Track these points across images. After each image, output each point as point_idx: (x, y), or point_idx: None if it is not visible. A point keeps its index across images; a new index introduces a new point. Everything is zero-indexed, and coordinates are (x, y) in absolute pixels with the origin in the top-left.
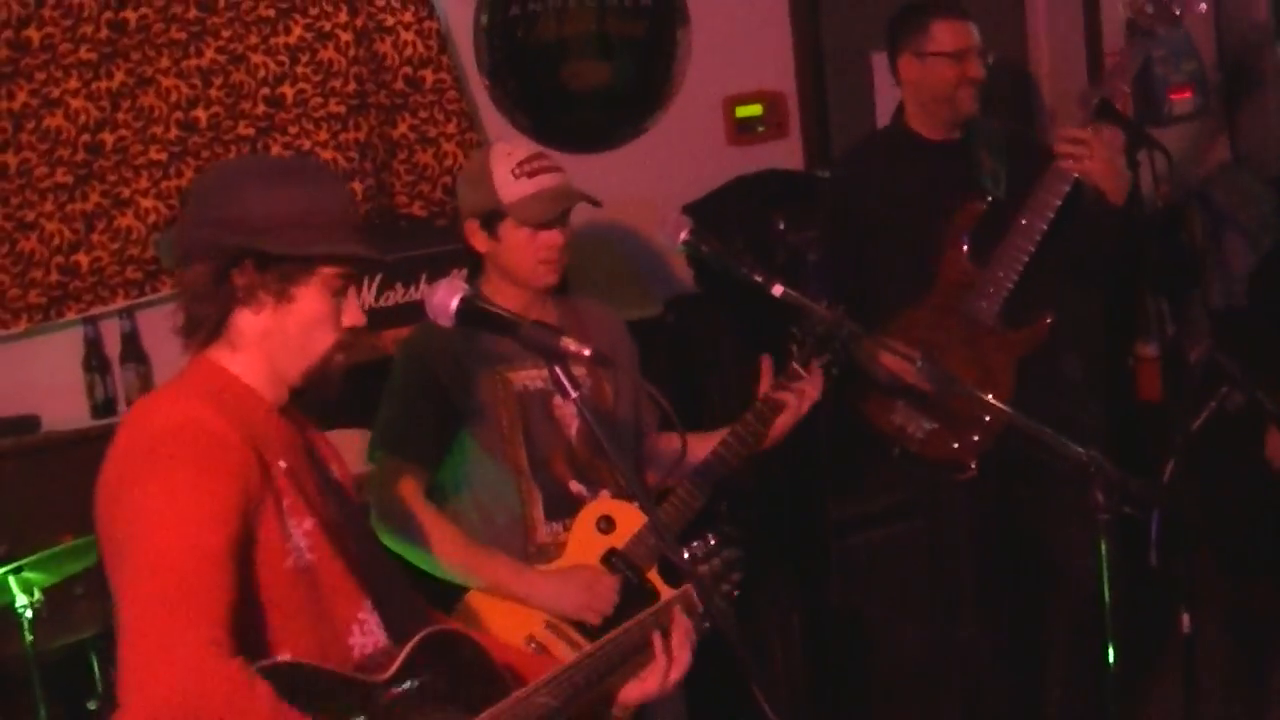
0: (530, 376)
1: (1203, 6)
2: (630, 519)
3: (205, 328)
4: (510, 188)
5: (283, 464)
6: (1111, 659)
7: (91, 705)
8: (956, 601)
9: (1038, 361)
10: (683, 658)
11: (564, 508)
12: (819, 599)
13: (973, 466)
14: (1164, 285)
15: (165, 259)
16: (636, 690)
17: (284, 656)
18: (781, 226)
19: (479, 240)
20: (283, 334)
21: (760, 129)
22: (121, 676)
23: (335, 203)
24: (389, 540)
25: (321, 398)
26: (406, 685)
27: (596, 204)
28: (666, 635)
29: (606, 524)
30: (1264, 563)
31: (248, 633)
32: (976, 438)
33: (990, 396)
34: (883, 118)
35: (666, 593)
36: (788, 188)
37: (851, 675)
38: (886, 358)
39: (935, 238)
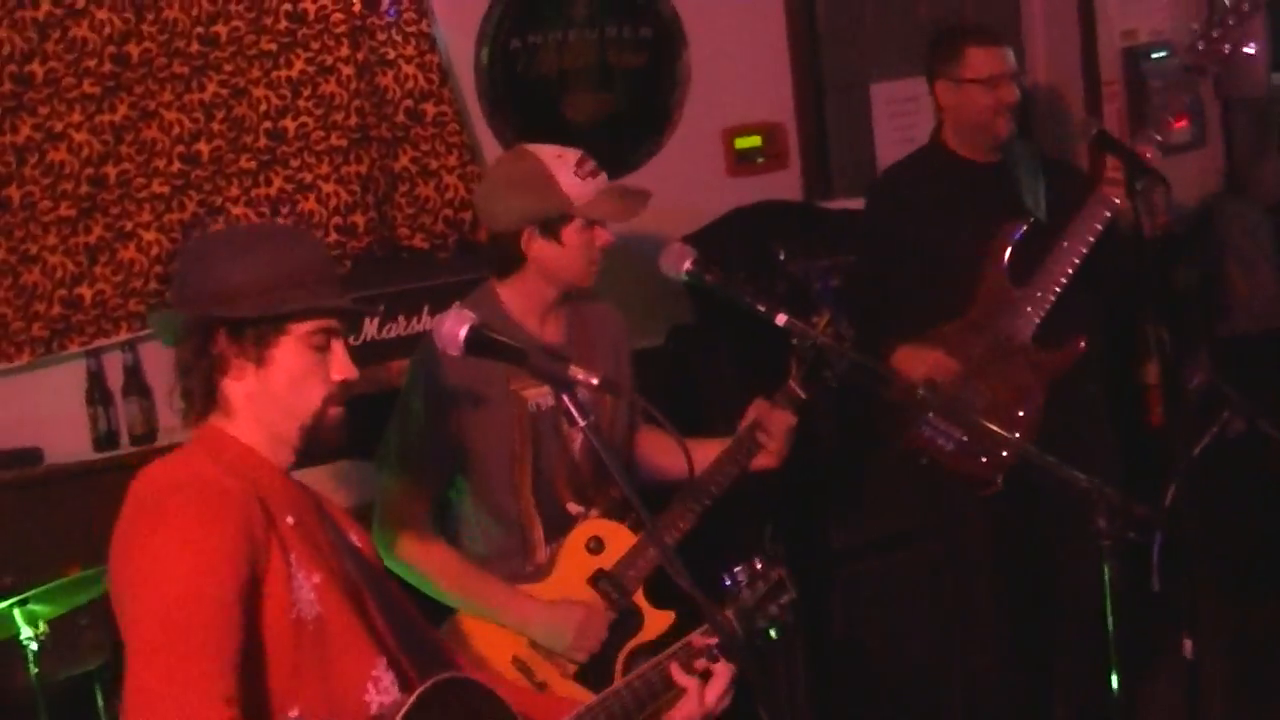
0: (543, 393)
1: (1252, 47)
2: (619, 540)
3: (196, 400)
4: (580, 188)
5: (290, 519)
6: (1115, 684)
7: None
8: (973, 628)
9: (1064, 383)
10: (719, 680)
11: (561, 528)
12: (822, 626)
13: (999, 482)
14: (1164, 312)
15: (159, 335)
16: (679, 715)
17: (293, 713)
18: (782, 257)
19: (537, 246)
20: (269, 395)
21: (759, 160)
22: None
23: (301, 261)
24: (388, 561)
25: (326, 449)
26: None
27: (647, 194)
28: (689, 666)
29: (596, 544)
30: (1265, 588)
31: (253, 685)
32: (1005, 454)
33: (1021, 414)
34: (882, 148)
35: (652, 615)
36: (787, 218)
37: (854, 702)
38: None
39: (974, 256)
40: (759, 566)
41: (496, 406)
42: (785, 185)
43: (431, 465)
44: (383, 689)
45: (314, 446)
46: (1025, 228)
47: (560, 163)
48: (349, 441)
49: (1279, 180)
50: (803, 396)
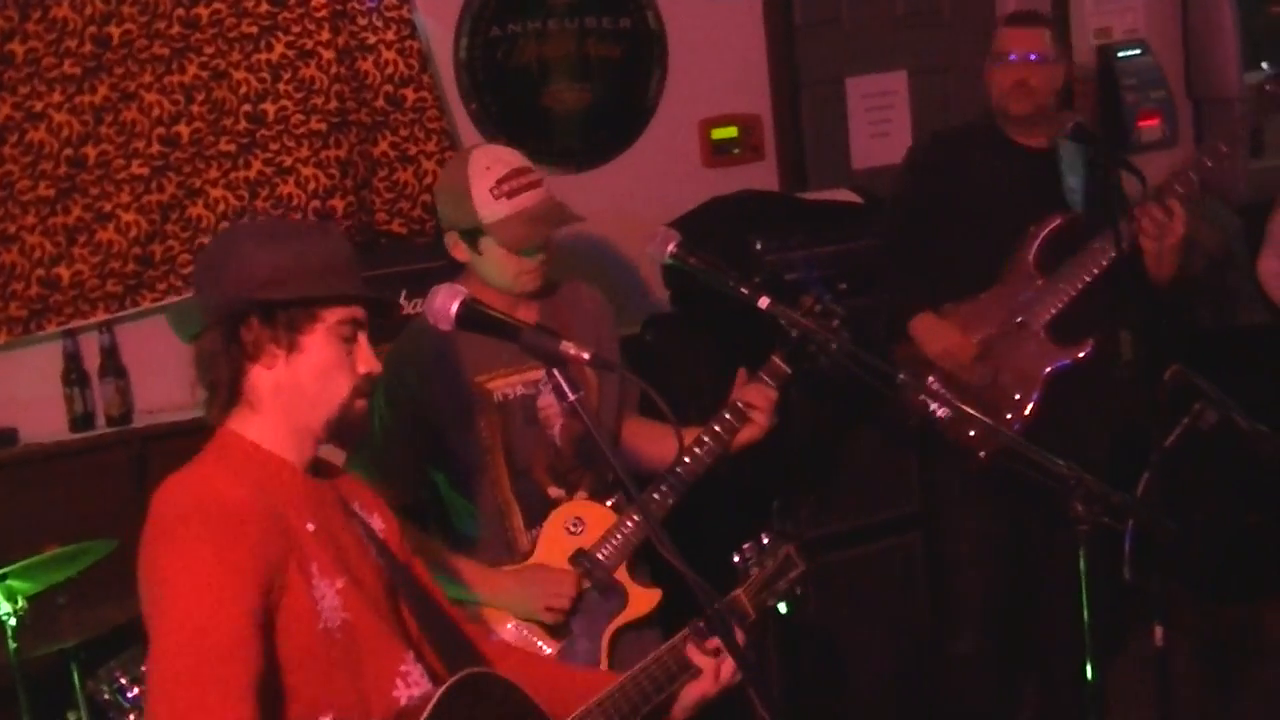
0: (510, 384)
1: None
2: (599, 519)
3: (221, 391)
4: (490, 208)
5: (310, 527)
6: (1090, 669)
7: (72, 716)
8: (958, 614)
9: (1068, 377)
10: (730, 661)
11: (543, 514)
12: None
13: (984, 456)
14: (1136, 306)
15: (175, 329)
16: (693, 693)
17: (326, 718)
18: (759, 246)
19: (460, 251)
20: (297, 386)
21: (736, 151)
22: None
23: (329, 251)
24: None
25: (346, 444)
26: None
27: (579, 219)
28: (703, 648)
29: (576, 525)
30: (1235, 576)
31: (288, 697)
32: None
33: (1018, 397)
34: (856, 141)
35: (636, 593)
36: (764, 208)
37: (826, 692)
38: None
39: (1006, 236)
40: (766, 542)
41: (463, 402)
42: (761, 176)
43: (397, 464)
44: (411, 682)
45: (339, 439)
46: (1062, 221)
47: (485, 175)
48: None
49: (1248, 180)
50: (788, 371)
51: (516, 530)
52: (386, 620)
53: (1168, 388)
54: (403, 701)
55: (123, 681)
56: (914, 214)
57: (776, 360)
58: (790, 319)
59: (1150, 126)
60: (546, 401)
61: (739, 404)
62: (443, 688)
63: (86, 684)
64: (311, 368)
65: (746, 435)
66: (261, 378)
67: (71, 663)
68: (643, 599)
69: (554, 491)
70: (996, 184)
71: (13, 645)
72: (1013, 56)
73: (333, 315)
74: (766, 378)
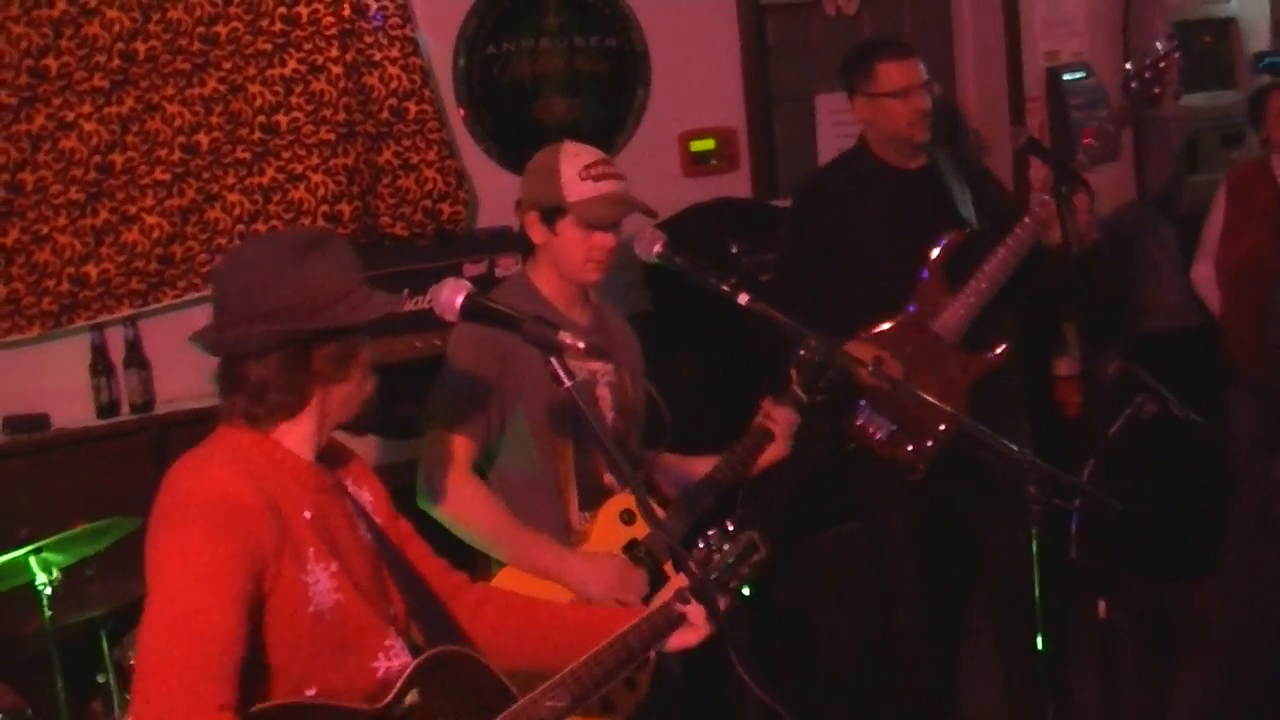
0: (577, 366)
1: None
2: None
3: (284, 412)
4: (575, 188)
5: (308, 514)
6: (1040, 640)
7: (100, 679)
8: (896, 591)
9: (985, 379)
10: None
11: (596, 498)
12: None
13: (921, 469)
14: (1082, 310)
15: (230, 349)
16: (679, 640)
17: (310, 692)
18: (735, 250)
19: (537, 231)
20: (332, 404)
21: (713, 162)
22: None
23: (355, 260)
24: (430, 509)
25: (362, 420)
26: (405, 709)
27: (653, 215)
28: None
29: (628, 516)
30: (1173, 556)
31: (275, 673)
32: (930, 444)
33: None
34: (824, 154)
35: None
36: (740, 215)
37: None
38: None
39: (904, 257)
40: (730, 528)
41: (538, 375)
42: (736, 185)
43: (478, 419)
44: (392, 655)
45: (356, 423)
46: (963, 237)
47: (575, 160)
48: None
49: (1185, 192)
50: (805, 401)
51: (571, 508)
52: (374, 597)
53: (1111, 381)
54: (380, 674)
55: None
56: (808, 252)
57: (796, 389)
58: (769, 316)
59: (1089, 144)
60: (601, 393)
61: (763, 428)
62: (413, 664)
63: (114, 650)
64: (351, 387)
65: (768, 457)
66: (328, 394)
67: (100, 630)
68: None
69: (608, 478)
70: (887, 210)
71: (47, 613)
72: (904, 88)
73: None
74: (787, 403)
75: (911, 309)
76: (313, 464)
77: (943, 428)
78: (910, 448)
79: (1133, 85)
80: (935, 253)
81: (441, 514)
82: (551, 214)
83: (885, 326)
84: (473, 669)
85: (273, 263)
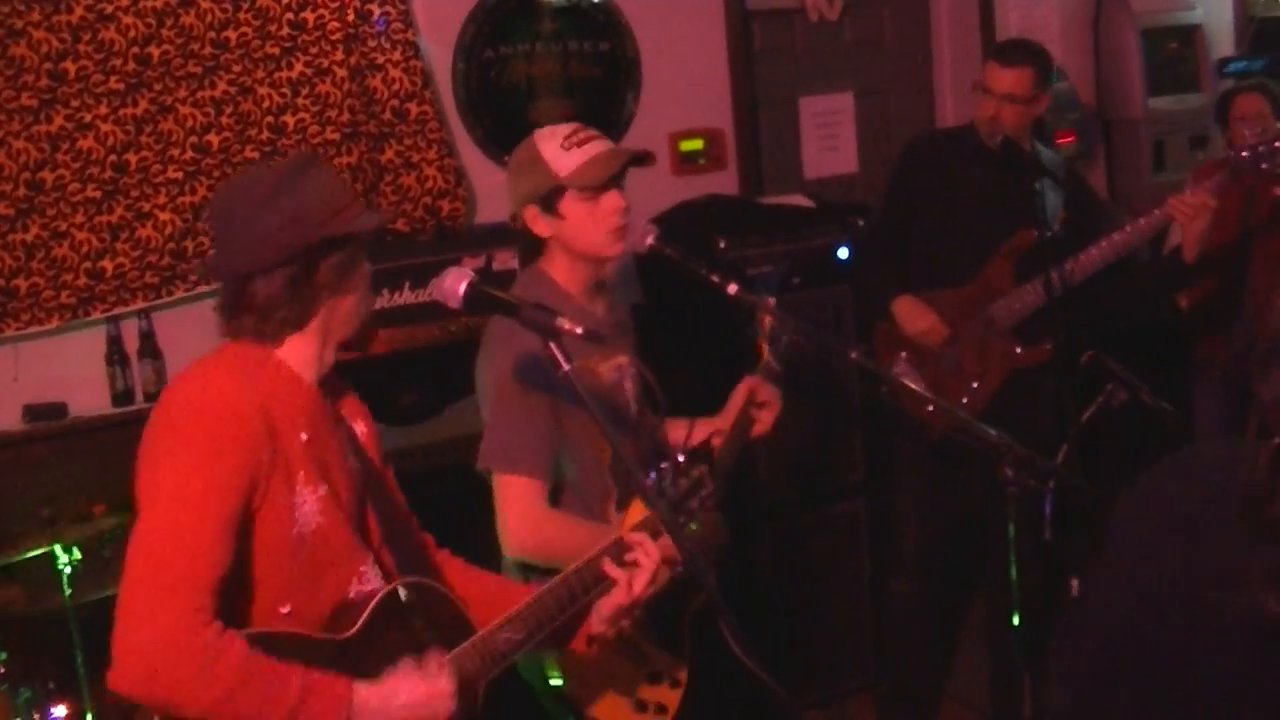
0: (605, 369)
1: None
2: None
3: (292, 326)
4: (562, 161)
5: (304, 436)
6: (1017, 615)
7: None
8: (898, 560)
9: (1025, 374)
10: (644, 571)
11: (631, 497)
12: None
13: (937, 431)
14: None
15: (206, 277)
16: (608, 604)
17: (284, 609)
18: (722, 245)
19: (541, 225)
20: (337, 320)
21: (701, 161)
22: (114, 632)
23: (345, 180)
24: (524, 559)
25: (357, 345)
26: (371, 637)
27: (649, 158)
28: (620, 560)
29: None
30: None
31: (253, 587)
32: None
33: (976, 385)
34: (807, 153)
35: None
36: (727, 212)
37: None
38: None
39: (985, 236)
40: (681, 463)
41: (578, 384)
42: (724, 184)
43: (539, 453)
44: (365, 580)
45: (352, 344)
46: (1035, 238)
47: (549, 139)
48: None
49: (1152, 192)
50: (778, 370)
51: (611, 513)
52: (354, 524)
53: (1084, 370)
54: (351, 596)
55: None
56: (901, 206)
57: (769, 360)
58: (756, 305)
59: (1067, 143)
60: (628, 386)
61: (751, 403)
62: (383, 592)
63: None
64: (352, 300)
65: (758, 429)
66: (334, 308)
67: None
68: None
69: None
70: (974, 187)
71: (68, 591)
72: (994, 92)
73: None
74: (765, 375)
75: (976, 285)
76: (314, 387)
77: (966, 400)
78: (931, 409)
79: (1244, 154)
80: (1011, 244)
81: (535, 561)
82: (550, 199)
83: (947, 293)
84: (437, 600)
85: (270, 184)
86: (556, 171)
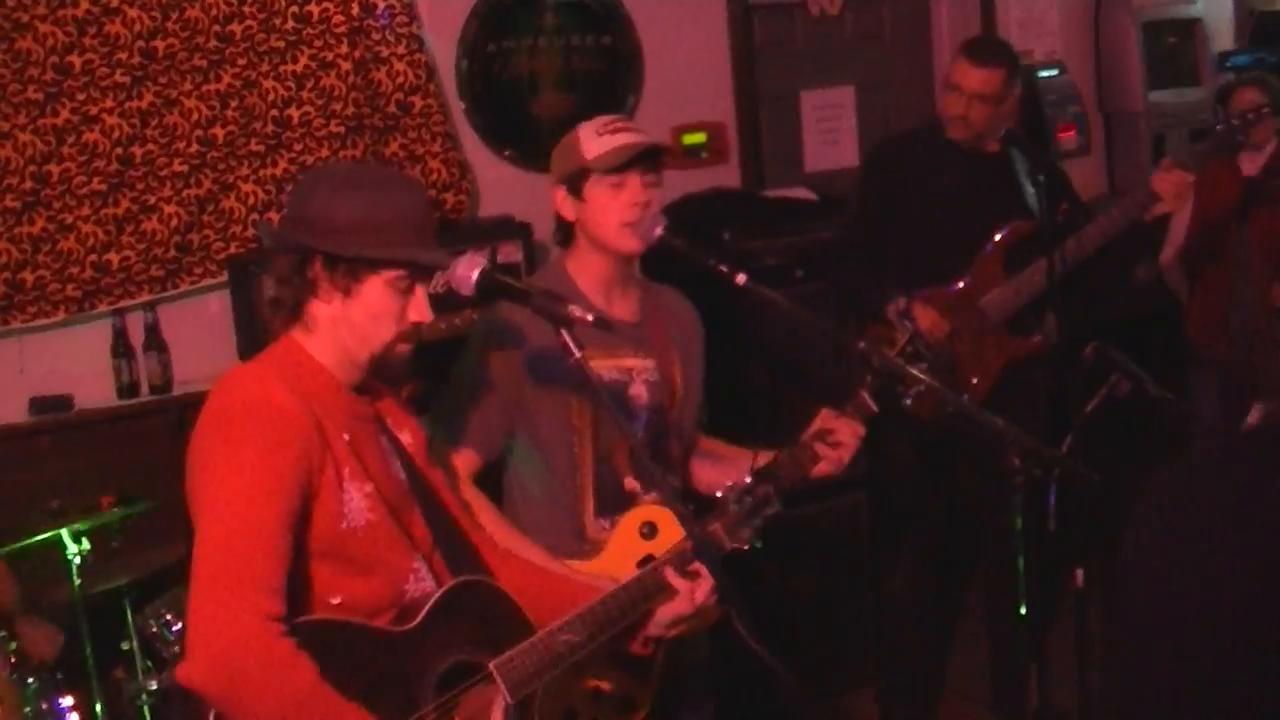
0: (605, 367)
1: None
2: (673, 527)
3: (284, 309)
4: (593, 145)
5: (346, 436)
6: (1023, 607)
7: (124, 646)
8: (894, 557)
9: (1019, 365)
10: (705, 581)
11: (615, 504)
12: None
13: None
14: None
15: (264, 239)
16: (669, 611)
17: (335, 600)
18: (726, 236)
19: (567, 207)
20: (349, 323)
21: (704, 154)
22: (187, 633)
23: (401, 209)
24: None
25: (390, 380)
26: (432, 633)
27: (667, 151)
28: (682, 570)
29: (649, 530)
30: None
31: (304, 581)
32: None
33: (975, 380)
34: (808, 147)
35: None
36: (730, 204)
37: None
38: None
39: (962, 234)
40: (748, 483)
41: (556, 376)
42: (726, 176)
43: (481, 431)
44: (420, 578)
45: (382, 375)
46: (1028, 228)
47: (589, 125)
48: None
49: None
50: (874, 410)
51: (587, 516)
52: (404, 526)
53: (1088, 362)
54: (408, 595)
55: (168, 617)
56: (873, 211)
57: (864, 396)
58: (764, 296)
59: (1068, 137)
60: (637, 391)
61: (825, 436)
62: (443, 589)
63: (136, 618)
64: (363, 310)
65: (826, 468)
66: (320, 309)
67: (124, 599)
68: (709, 613)
69: (630, 483)
70: (946, 185)
71: (77, 582)
72: (963, 90)
73: (390, 273)
74: (853, 413)
75: (963, 283)
76: (349, 390)
77: (965, 396)
78: (940, 401)
79: (1219, 129)
80: (999, 236)
81: None
82: (576, 180)
83: (938, 292)
84: (495, 599)
85: (317, 180)
86: (585, 153)
